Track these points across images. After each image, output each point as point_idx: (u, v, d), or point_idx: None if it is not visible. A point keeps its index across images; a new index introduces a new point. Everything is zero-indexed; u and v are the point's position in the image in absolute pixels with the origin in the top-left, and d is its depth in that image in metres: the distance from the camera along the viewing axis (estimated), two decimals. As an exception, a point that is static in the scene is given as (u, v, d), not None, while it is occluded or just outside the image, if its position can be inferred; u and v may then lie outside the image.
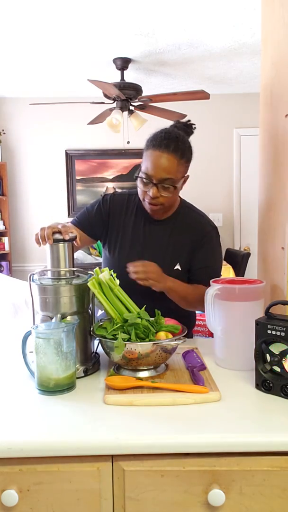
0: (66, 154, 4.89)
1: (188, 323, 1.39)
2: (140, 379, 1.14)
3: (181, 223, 1.55)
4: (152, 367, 1.18)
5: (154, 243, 1.54)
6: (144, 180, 1.43)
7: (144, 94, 3.67)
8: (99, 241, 1.64)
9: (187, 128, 1.53)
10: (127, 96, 3.53)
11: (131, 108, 3.71)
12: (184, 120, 1.56)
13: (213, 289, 1.22)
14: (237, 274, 4.11)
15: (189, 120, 1.55)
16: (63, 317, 1.18)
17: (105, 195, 1.62)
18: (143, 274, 1.32)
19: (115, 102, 3.61)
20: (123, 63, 3.67)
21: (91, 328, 1.24)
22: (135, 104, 3.69)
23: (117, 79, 3.72)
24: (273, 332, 1.06)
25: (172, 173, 1.40)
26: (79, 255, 4.40)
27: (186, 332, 1.21)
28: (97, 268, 1.26)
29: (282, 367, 1.06)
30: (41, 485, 0.90)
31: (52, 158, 4.89)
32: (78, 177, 4.94)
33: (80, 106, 4.07)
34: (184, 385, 1.09)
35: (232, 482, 0.90)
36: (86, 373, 1.20)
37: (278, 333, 1.06)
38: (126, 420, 0.96)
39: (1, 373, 1.25)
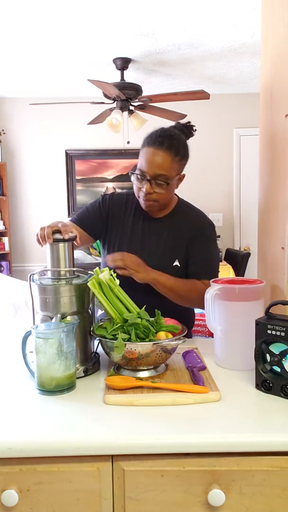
0: (66, 154, 4.90)
1: (187, 322, 1.40)
2: (140, 379, 1.14)
3: (179, 220, 1.57)
4: (152, 367, 1.18)
5: (152, 241, 1.55)
6: (139, 176, 1.46)
7: (144, 94, 3.67)
8: (98, 240, 1.64)
9: (187, 129, 1.54)
10: (127, 96, 3.53)
11: (131, 108, 3.71)
12: (184, 121, 1.57)
13: (213, 289, 1.22)
14: (237, 274, 4.11)
15: (189, 122, 1.56)
16: (63, 317, 1.18)
17: (104, 195, 1.64)
18: (121, 261, 1.35)
19: (115, 102, 3.61)
20: (123, 63, 3.67)
21: (91, 328, 1.24)
22: (135, 104, 3.69)
23: (117, 79, 3.72)
24: (273, 332, 1.06)
25: (165, 169, 1.43)
26: (79, 255, 4.40)
27: (186, 332, 1.21)
28: (97, 268, 1.27)
29: (282, 367, 1.06)
30: (41, 485, 0.90)
31: (52, 158, 4.89)
32: (78, 177, 4.94)
33: (80, 106, 4.07)
34: (184, 385, 1.09)
35: (232, 482, 0.90)
36: (86, 373, 1.20)
37: (278, 333, 1.06)
38: (126, 420, 0.96)
39: (1, 373, 1.25)
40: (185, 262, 1.54)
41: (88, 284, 1.19)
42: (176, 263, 1.53)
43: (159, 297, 1.43)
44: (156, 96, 3.49)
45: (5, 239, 4.74)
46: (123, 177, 4.94)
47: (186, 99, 3.46)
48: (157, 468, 0.90)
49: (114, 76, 3.83)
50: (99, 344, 1.25)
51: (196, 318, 1.83)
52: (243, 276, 4.18)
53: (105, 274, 1.20)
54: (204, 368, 1.21)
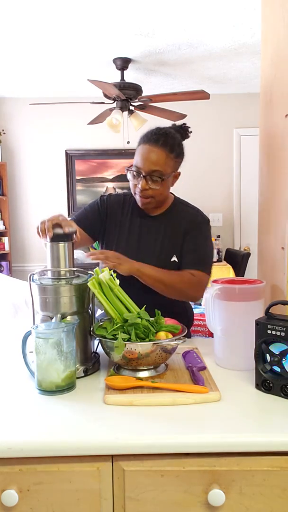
0: (66, 154, 4.90)
1: (186, 322, 1.40)
2: (140, 379, 1.14)
3: (175, 217, 1.59)
4: (152, 367, 1.18)
5: (149, 238, 1.57)
6: (134, 173, 1.49)
7: (144, 94, 3.68)
8: (96, 242, 1.65)
9: (182, 130, 1.57)
10: (127, 96, 3.53)
11: (131, 108, 3.71)
12: (180, 122, 1.61)
13: (213, 289, 1.22)
14: (237, 274, 4.11)
15: (184, 124, 1.59)
16: (63, 317, 1.18)
17: (102, 196, 1.66)
18: (101, 254, 1.37)
19: (115, 102, 3.61)
20: (123, 63, 3.67)
21: (91, 328, 1.24)
22: (135, 104, 3.69)
23: (117, 79, 3.72)
24: (273, 332, 1.06)
25: (160, 165, 1.45)
26: (79, 255, 4.40)
27: (186, 332, 1.21)
28: (97, 268, 1.27)
29: (282, 367, 1.06)
30: (41, 485, 0.90)
31: (52, 158, 4.89)
32: (78, 177, 4.94)
33: (80, 106, 4.07)
34: (184, 385, 1.09)
35: (232, 482, 0.90)
36: (86, 373, 1.20)
37: (278, 333, 1.06)
38: (126, 420, 0.96)
39: (1, 373, 1.25)
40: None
41: (88, 284, 1.19)
42: (174, 258, 1.54)
43: (158, 296, 1.43)
44: (156, 96, 3.49)
45: (5, 239, 4.74)
46: (123, 177, 4.94)
47: (186, 99, 3.46)
48: (157, 468, 0.90)
49: (114, 76, 3.83)
50: (99, 344, 1.25)
51: (196, 318, 1.83)
52: (243, 276, 4.18)
53: (105, 274, 1.20)
54: (204, 368, 1.21)
